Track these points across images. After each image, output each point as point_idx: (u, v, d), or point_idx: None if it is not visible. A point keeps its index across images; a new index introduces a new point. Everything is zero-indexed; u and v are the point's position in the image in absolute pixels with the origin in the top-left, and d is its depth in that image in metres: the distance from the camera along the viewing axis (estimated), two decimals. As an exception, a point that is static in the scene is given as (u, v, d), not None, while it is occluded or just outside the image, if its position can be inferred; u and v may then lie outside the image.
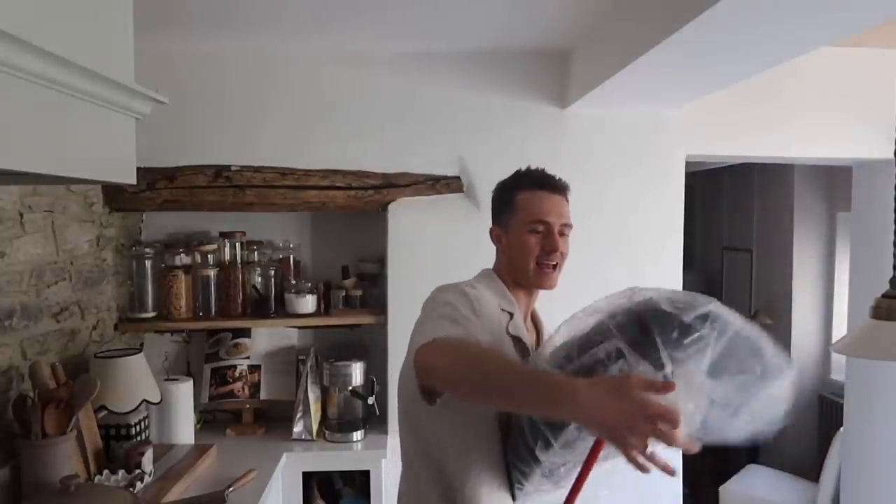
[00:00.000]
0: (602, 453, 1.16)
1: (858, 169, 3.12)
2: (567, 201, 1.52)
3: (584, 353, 1.16)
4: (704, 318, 1.09)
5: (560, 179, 1.53)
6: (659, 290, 1.18)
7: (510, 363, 1.22)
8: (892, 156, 1.72)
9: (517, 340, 1.44)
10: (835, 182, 4.15)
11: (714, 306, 1.12)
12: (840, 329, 4.11)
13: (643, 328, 1.10)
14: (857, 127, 2.72)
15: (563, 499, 1.28)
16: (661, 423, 0.94)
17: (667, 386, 0.99)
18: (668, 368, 1.06)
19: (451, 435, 1.35)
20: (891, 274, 1.59)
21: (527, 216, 1.47)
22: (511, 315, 1.46)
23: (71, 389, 1.79)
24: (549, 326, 1.57)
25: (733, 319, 1.13)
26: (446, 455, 1.35)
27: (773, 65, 1.99)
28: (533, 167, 1.56)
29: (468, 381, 1.14)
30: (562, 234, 1.47)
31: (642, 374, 1.03)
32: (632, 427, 0.95)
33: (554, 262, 1.46)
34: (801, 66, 2.61)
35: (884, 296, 1.56)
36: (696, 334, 1.07)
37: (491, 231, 1.56)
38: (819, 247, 4.23)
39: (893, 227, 1.55)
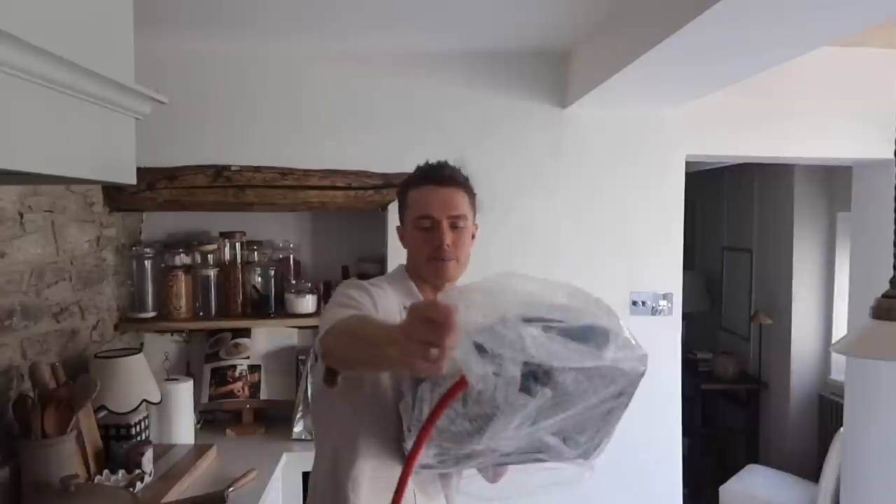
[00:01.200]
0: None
1: (858, 169, 3.11)
2: (462, 192, 1.46)
3: None
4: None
5: (450, 170, 1.47)
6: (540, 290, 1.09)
7: (377, 324, 1.17)
8: (892, 156, 1.72)
9: None
10: (835, 182, 4.15)
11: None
12: (840, 329, 4.11)
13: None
14: (857, 127, 2.72)
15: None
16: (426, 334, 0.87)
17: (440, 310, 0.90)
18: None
19: (346, 418, 1.35)
20: (891, 274, 1.59)
21: (413, 212, 1.45)
22: None
23: (71, 389, 1.79)
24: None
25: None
26: (340, 439, 1.36)
27: (773, 64, 1.99)
28: (433, 161, 1.51)
29: (348, 349, 1.17)
30: (454, 226, 1.43)
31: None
32: (410, 336, 0.89)
33: (446, 257, 1.41)
34: (801, 66, 2.61)
35: (884, 296, 1.56)
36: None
37: (397, 229, 1.54)
38: (819, 247, 4.23)
39: (893, 227, 1.55)
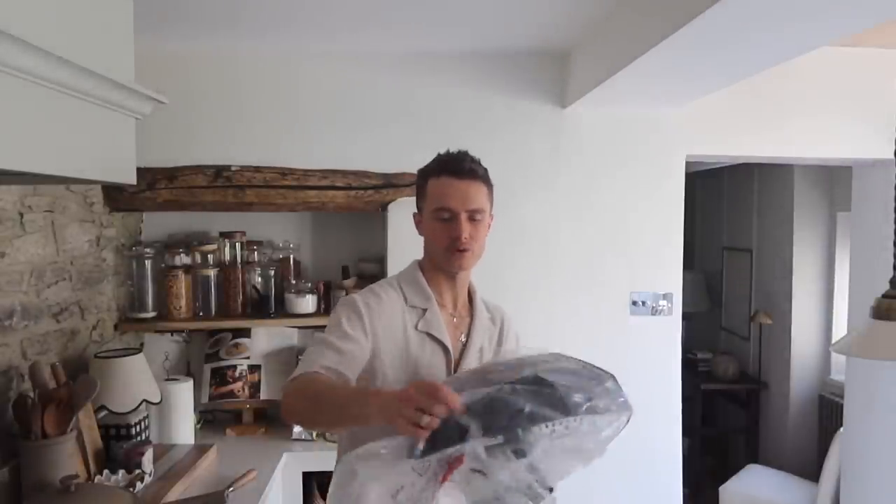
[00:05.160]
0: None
1: (858, 169, 3.11)
2: (481, 184, 1.48)
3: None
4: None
5: (470, 163, 1.48)
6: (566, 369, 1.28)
7: (335, 392, 1.30)
8: (892, 156, 1.73)
9: (429, 336, 1.48)
10: (835, 182, 4.15)
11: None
12: (840, 329, 4.11)
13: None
14: (857, 127, 2.72)
15: None
16: (422, 401, 1.06)
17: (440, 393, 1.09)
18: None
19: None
20: (891, 274, 1.59)
21: (432, 203, 1.47)
22: (424, 311, 1.49)
23: (71, 389, 1.79)
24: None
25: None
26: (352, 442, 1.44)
27: (772, 64, 1.99)
28: (453, 150, 1.51)
29: (310, 411, 1.32)
30: (472, 219, 1.45)
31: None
32: (397, 410, 1.08)
33: (463, 248, 1.45)
34: (801, 66, 2.61)
35: (884, 296, 1.56)
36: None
37: (414, 216, 1.56)
38: (819, 247, 4.23)
39: (893, 226, 1.55)
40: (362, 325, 1.41)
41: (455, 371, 1.52)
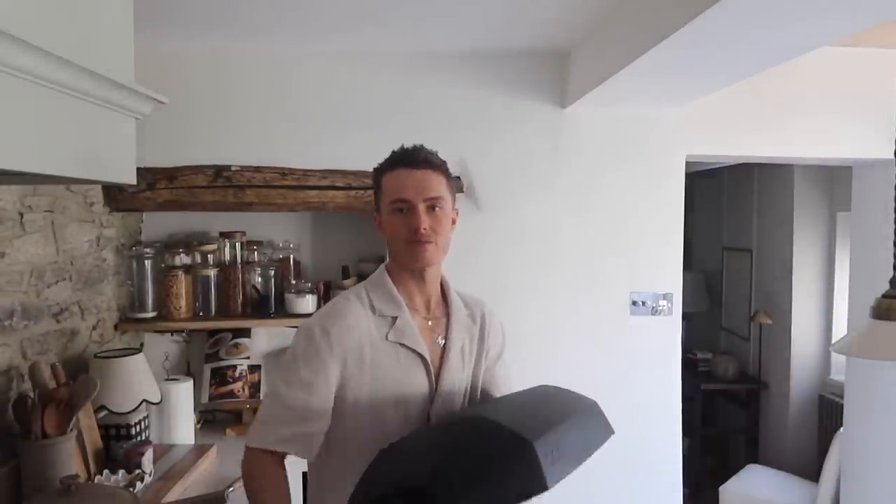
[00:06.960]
0: None
1: (858, 169, 3.11)
2: (439, 174, 1.41)
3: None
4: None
5: (424, 153, 1.42)
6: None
7: None
8: (892, 156, 1.73)
9: (402, 346, 1.40)
10: (835, 182, 4.15)
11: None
12: (840, 329, 4.11)
13: None
14: (857, 127, 2.72)
15: None
16: None
17: None
18: None
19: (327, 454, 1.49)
20: (891, 274, 1.59)
21: (388, 196, 1.40)
22: (394, 318, 1.41)
23: (71, 389, 1.79)
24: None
25: None
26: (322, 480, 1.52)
27: (773, 64, 1.99)
28: (408, 146, 1.45)
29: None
30: (431, 208, 1.38)
31: None
32: None
33: (424, 240, 1.37)
34: (801, 66, 2.61)
35: (884, 296, 1.56)
36: None
37: (374, 218, 1.49)
38: (819, 247, 4.23)
39: (893, 226, 1.56)
40: (321, 360, 1.33)
41: (437, 380, 1.42)
